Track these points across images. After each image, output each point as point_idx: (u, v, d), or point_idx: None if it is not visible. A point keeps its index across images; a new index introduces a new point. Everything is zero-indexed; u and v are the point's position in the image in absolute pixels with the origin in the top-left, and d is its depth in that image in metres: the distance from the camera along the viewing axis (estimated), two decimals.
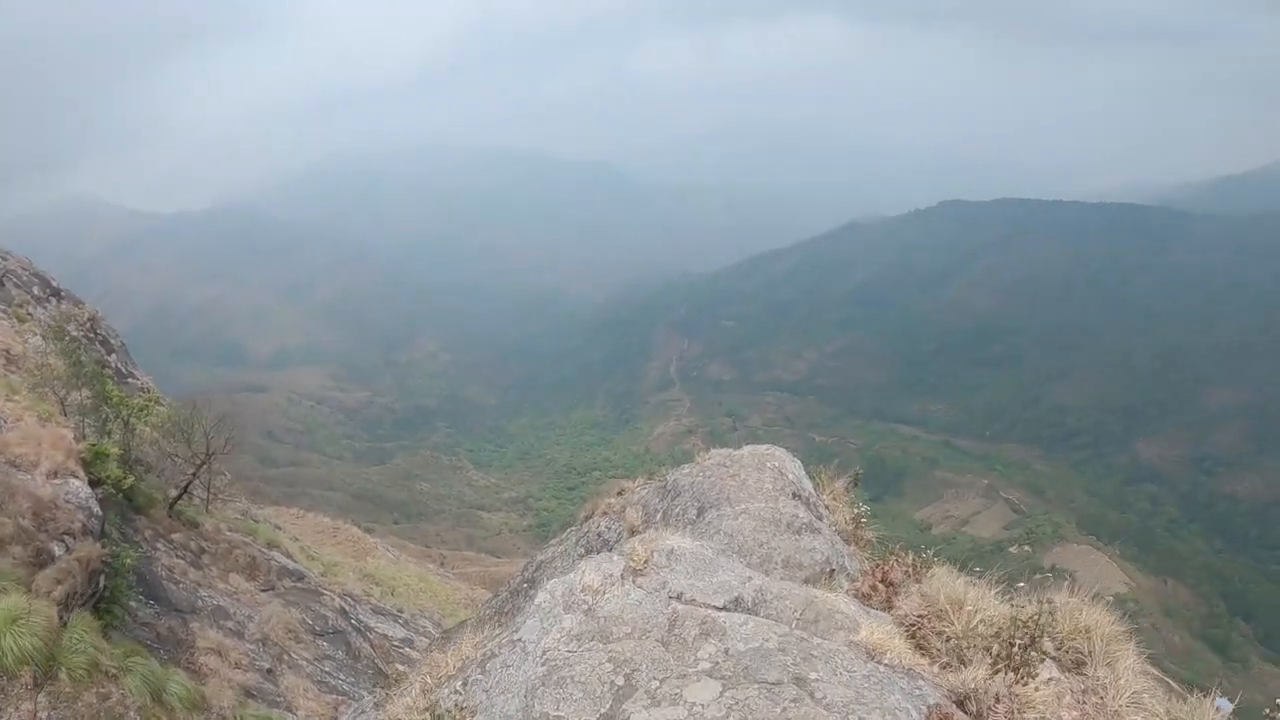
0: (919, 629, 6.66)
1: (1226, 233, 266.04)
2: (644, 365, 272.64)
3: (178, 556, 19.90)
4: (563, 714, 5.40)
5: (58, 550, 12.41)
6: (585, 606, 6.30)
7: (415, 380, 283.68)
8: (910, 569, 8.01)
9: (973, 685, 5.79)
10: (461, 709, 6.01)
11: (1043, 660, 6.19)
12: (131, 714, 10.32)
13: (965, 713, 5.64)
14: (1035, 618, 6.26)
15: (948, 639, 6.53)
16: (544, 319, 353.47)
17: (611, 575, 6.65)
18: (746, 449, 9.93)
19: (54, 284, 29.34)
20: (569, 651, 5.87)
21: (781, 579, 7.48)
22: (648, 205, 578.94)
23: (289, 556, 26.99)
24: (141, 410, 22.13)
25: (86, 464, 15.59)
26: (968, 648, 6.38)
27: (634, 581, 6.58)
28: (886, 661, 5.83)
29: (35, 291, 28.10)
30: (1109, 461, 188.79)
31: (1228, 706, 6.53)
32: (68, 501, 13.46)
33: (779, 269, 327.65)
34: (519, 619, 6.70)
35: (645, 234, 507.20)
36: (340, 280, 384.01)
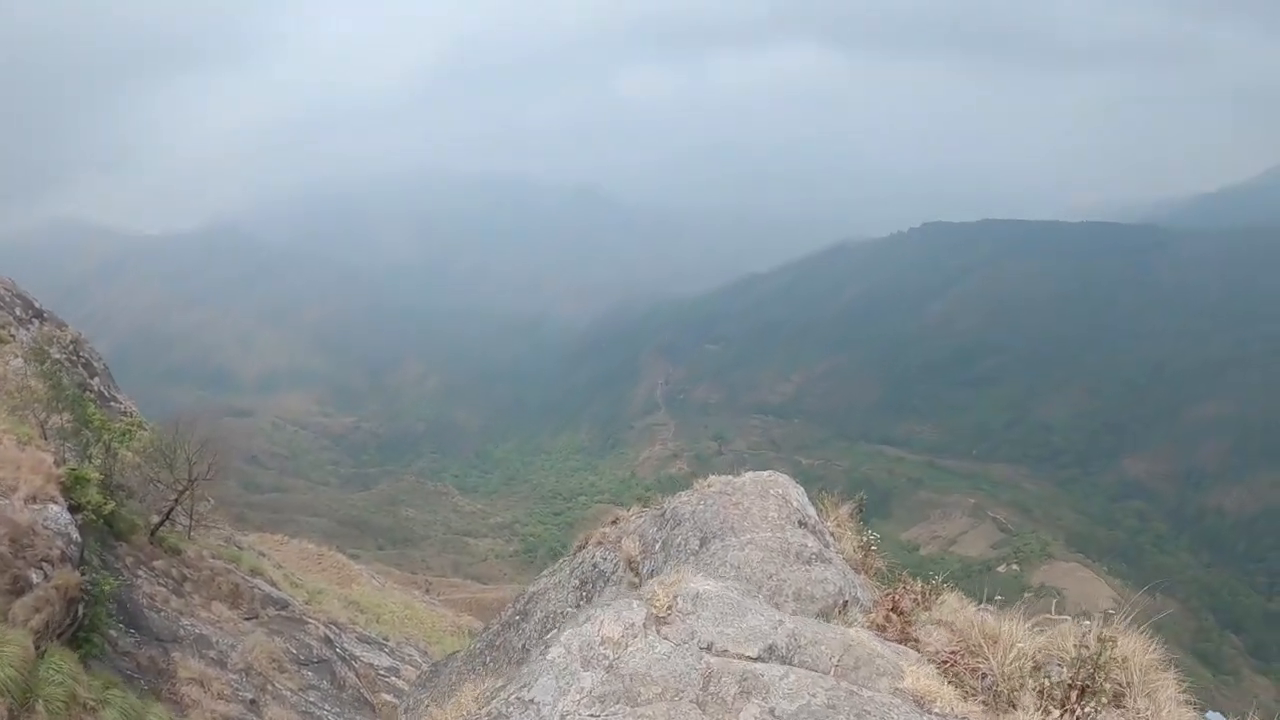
0: (953, 666, 6.33)
1: (1208, 249, 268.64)
2: (630, 389, 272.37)
3: (159, 584, 19.51)
4: None
5: (35, 578, 12.08)
6: (606, 663, 5.72)
7: (401, 405, 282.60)
8: (919, 597, 7.82)
9: None
10: None
11: (1104, 702, 5.82)
12: None
13: None
14: (1095, 656, 5.95)
15: (984, 676, 6.20)
16: (529, 343, 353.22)
17: (633, 625, 6.02)
18: (748, 475, 9.53)
19: (37, 305, 28.93)
20: (591, 716, 5.33)
21: (794, 613, 7.16)
22: (633, 229, 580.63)
23: (272, 584, 26.56)
24: (123, 434, 21.75)
25: (66, 489, 15.26)
26: (1009, 687, 6.04)
27: (658, 631, 5.94)
28: (937, 710, 5.49)
29: (17, 313, 27.70)
30: (1095, 479, 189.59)
31: None
32: (46, 528, 13.13)
33: (764, 291, 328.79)
34: (527, 670, 6.10)
35: (630, 257, 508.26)
36: (327, 304, 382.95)
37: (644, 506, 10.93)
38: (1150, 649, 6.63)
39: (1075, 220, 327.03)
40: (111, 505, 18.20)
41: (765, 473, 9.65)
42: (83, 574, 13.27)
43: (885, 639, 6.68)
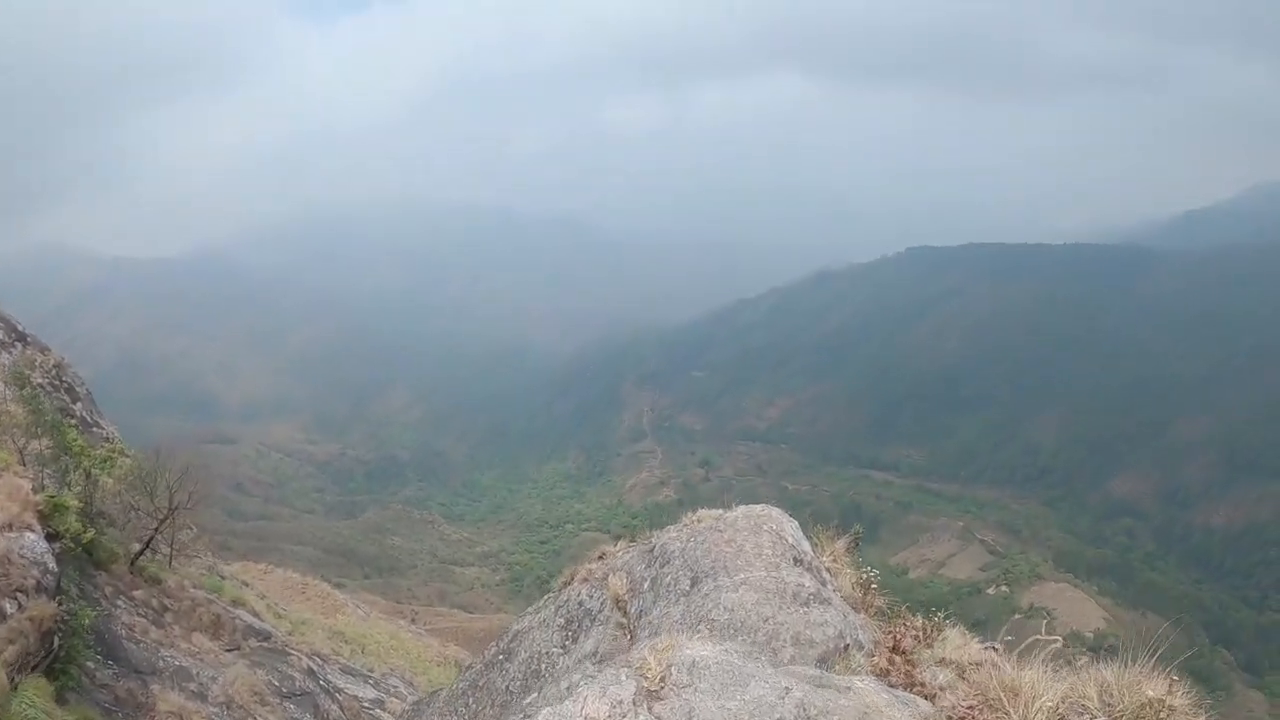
0: None
1: (1189, 267, 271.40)
2: (616, 417, 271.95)
3: (139, 614, 19.07)
4: None
5: (9, 608, 11.73)
6: None
7: (386, 433, 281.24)
8: (921, 634, 7.54)
9: None
10: None
11: None
12: None
13: None
14: (1126, 710, 5.55)
15: None
16: (515, 372, 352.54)
17: (621, 703, 5.18)
18: (739, 510, 9.16)
19: (19, 328, 28.46)
20: None
21: (792, 659, 6.84)
22: (617, 258, 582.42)
23: (255, 614, 26.09)
24: (104, 461, 21.35)
25: (44, 517, 14.91)
26: None
27: (650, 710, 5.14)
28: None
29: (0, 336, 27.27)
30: (1083, 498, 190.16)
31: None
32: (22, 556, 12.78)
33: (749, 318, 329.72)
34: None
35: (615, 286, 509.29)
36: (311, 331, 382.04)
37: (631, 541, 10.60)
38: (1183, 693, 6.06)
39: (1057, 242, 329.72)
40: (91, 534, 17.81)
41: (758, 507, 9.31)
42: (60, 604, 12.91)
43: (891, 685, 6.27)
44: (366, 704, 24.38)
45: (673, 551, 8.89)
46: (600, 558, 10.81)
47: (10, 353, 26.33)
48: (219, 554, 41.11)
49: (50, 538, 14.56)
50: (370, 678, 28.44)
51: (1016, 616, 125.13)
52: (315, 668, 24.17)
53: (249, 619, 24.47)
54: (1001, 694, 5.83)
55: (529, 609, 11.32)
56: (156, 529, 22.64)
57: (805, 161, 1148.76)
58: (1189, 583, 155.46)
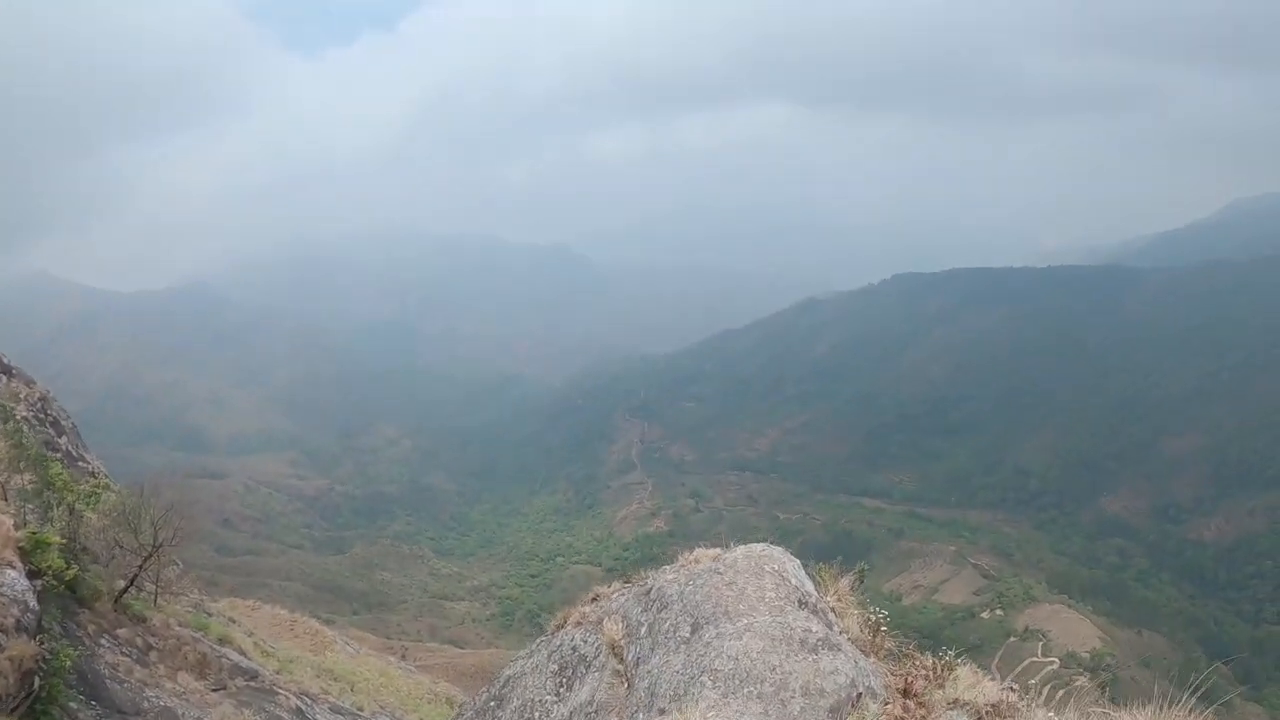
0: None
1: (1173, 285, 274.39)
2: (605, 449, 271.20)
3: (123, 653, 18.59)
4: None
5: None
6: None
7: (375, 467, 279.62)
8: (931, 673, 7.26)
9: None
10: None
11: None
12: None
13: None
14: None
15: None
16: (503, 403, 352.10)
17: None
18: (739, 550, 8.81)
19: (4, 360, 28.11)
20: None
21: (803, 711, 6.48)
22: (604, 288, 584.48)
23: (242, 653, 25.57)
24: (89, 496, 20.94)
25: (25, 553, 14.55)
26: None
27: None
28: None
29: None
30: (1074, 519, 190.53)
31: None
32: (2, 594, 12.43)
33: (737, 348, 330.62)
34: None
35: (602, 316, 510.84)
36: (298, 365, 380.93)
37: (626, 582, 10.29)
38: None
39: (1042, 265, 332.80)
40: (74, 571, 17.39)
41: (758, 546, 8.94)
42: (41, 643, 12.54)
43: None
44: None
45: (670, 595, 8.56)
46: (594, 600, 10.42)
47: None
48: (206, 590, 40.50)
49: (32, 575, 14.22)
50: (360, 716, 27.88)
51: (1012, 639, 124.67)
52: (304, 707, 23.65)
53: (236, 657, 23.98)
54: None
55: (520, 652, 10.91)
56: (141, 566, 22.18)
57: (790, 190, 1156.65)
58: (1184, 599, 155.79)
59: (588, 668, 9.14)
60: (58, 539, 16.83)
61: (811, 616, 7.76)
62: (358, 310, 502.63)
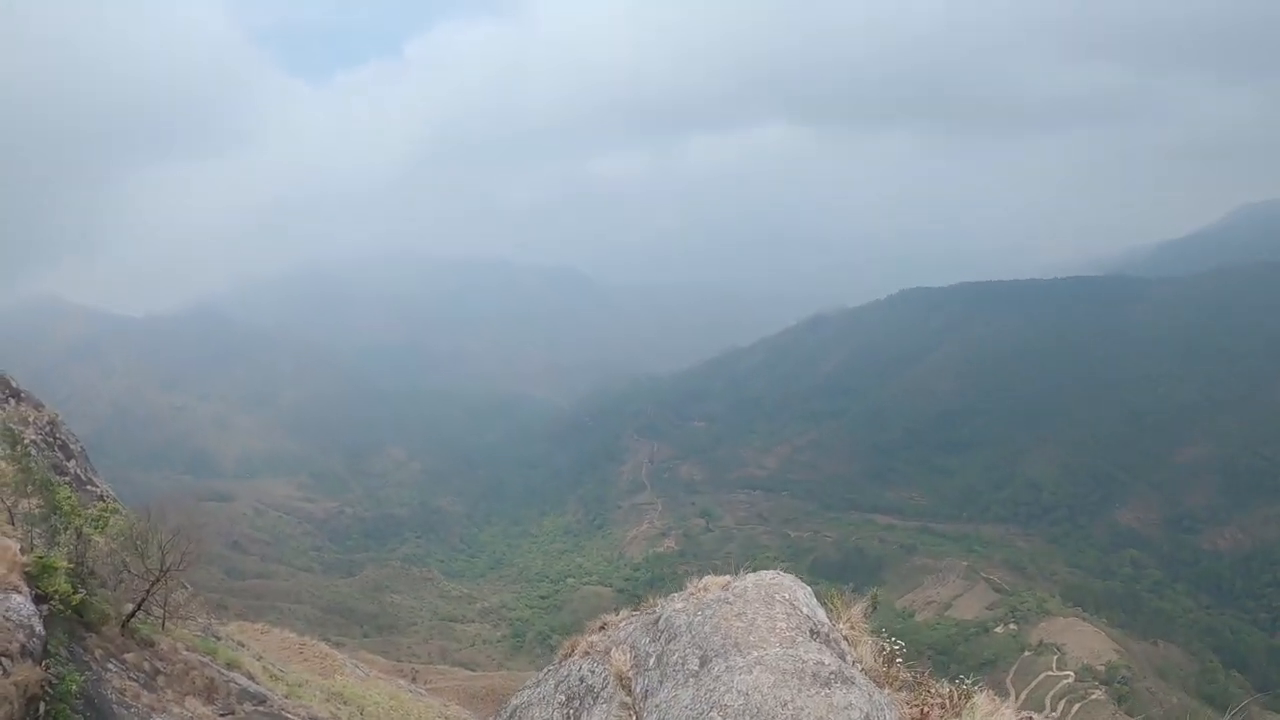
0: None
1: (1179, 294, 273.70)
2: (615, 469, 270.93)
3: (130, 678, 18.42)
4: None
5: None
6: None
7: (385, 489, 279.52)
8: (948, 702, 7.04)
9: None
10: None
11: None
12: None
13: None
14: None
15: None
16: (512, 424, 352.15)
17: None
18: (749, 579, 8.63)
19: (13, 385, 28.11)
20: None
21: None
22: (611, 308, 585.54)
23: (251, 677, 25.35)
24: (97, 520, 20.82)
25: (32, 577, 14.46)
26: None
27: None
28: None
29: None
30: (1087, 531, 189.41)
31: None
32: (7, 619, 12.31)
33: (745, 366, 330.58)
34: None
35: (610, 337, 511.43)
36: (307, 387, 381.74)
37: (634, 610, 10.08)
38: None
39: (1048, 277, 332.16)
40: (81, 595, 17.28)
41: (768, 574, 8.80)
42: (47, 668, 12.42)
43: None
44: None
45: (679, 626, 8.37)
46: (602, 628, 10.22)
47: (3, 409, 25.95)
48: (215, 613, 40.33)
49: (38, 599, 14.13)
50: None
51: (1026, 654, 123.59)
52: None
53: (244, 681, 23.77)
54: None
55: (528, 681, 10.71)
56: (148, 590, 22.01)
57: (795, 208, 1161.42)
58: (1199, 609, 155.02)
59: (595, 699, 8.94)
60: (64, 563, 16.72)
61: (824, 648, 7.56)
62: (365, 332, 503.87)
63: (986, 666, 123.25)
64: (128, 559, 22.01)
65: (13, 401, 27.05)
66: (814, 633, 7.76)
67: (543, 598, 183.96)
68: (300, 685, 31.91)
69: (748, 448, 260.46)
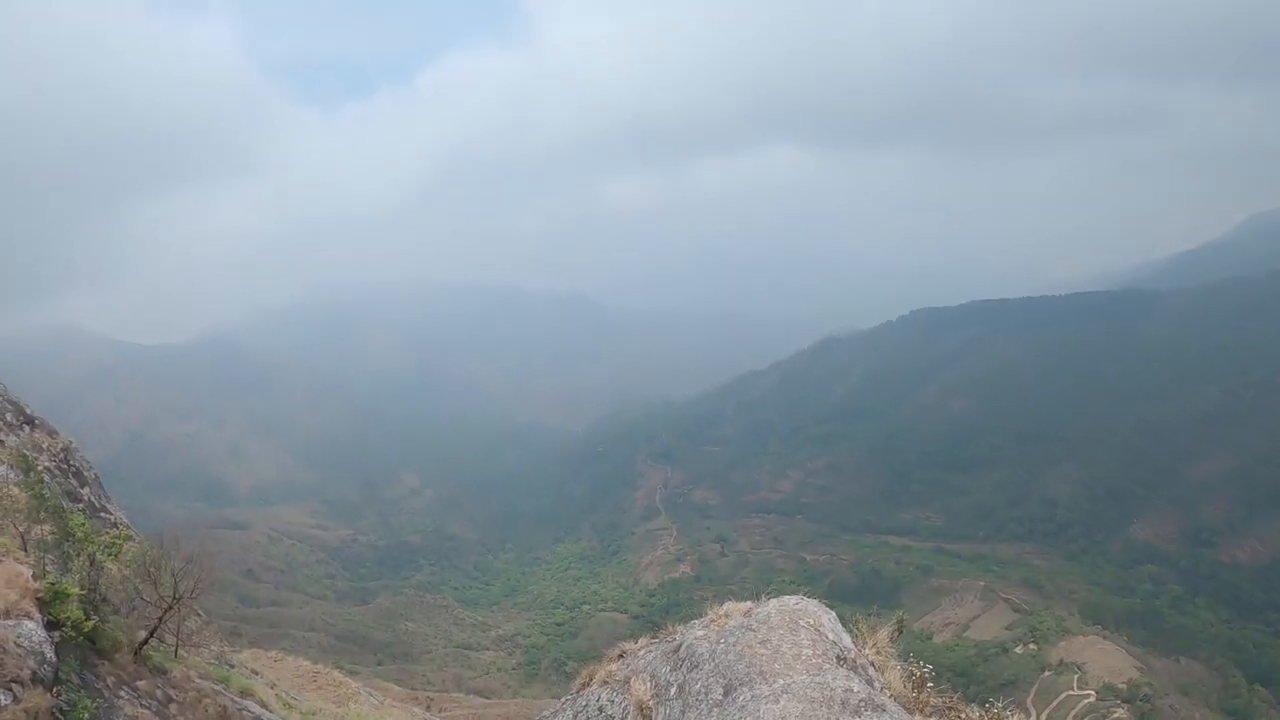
0: None
1: (1191, 305, 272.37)
2: (629, 495, 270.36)
3: (142, 706, 18.22)
4: None
5: (4, 699, 11.11)
6: None
7: (398, 517, 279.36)
8: None
9: None
10: None
11: None
12: None
13: None
14: None
15: None
16: (525, 451, 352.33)
17: None
18: (772, 604, 8.38)
19: (28, 411, 28.14)
20: None
21: None
22: (623, 334, 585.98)
23: (264, 705, 25.15)
24: (110, 547, 20.70)
25: (44, 604, 14.37)
26: None
27: None
28: None
29: (8, 418, 26.91)
30: (1105, 548, 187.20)
31: None
32: (19, 645, 12.19)
33: (758, 390, 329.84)
34: None
35: (621, 363, 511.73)
36: (320, 415, 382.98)
37: (653, 638, 9.81)
38: None
39: (1059, 293, 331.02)
40: (93, 622, 17.14)
41: (791, 599, 8.53)
42: (58, 695, 12.29)
43: None
44: None
45: (701, 654, 8.11)
46: (620, 656, 9.97)
47: (18, 435, 25.95)
48: (229, 641, 40.14)
49: (50, 626, 14.03)
50: None
51: (1046, 673, 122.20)
52: None
53: (258, 710, 23.57)
54: None
55: (544, 711, 10.46)
56: (161, 617, 21.87)
57: (804, 231, 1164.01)
58: (1220, 623, 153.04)
59: None
60: (77, 590, 16.62)
61: (851, 674, 7.31)
62: (377, 360, 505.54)
63: (1007, 687, 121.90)
64: (141, 586, 21.90)
65: (27, 428, 27.07)
66: (840, 659, 7.53)
67: (558, 624, 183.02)
68: (314, 714, 31.66)
69: (762, 471, 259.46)
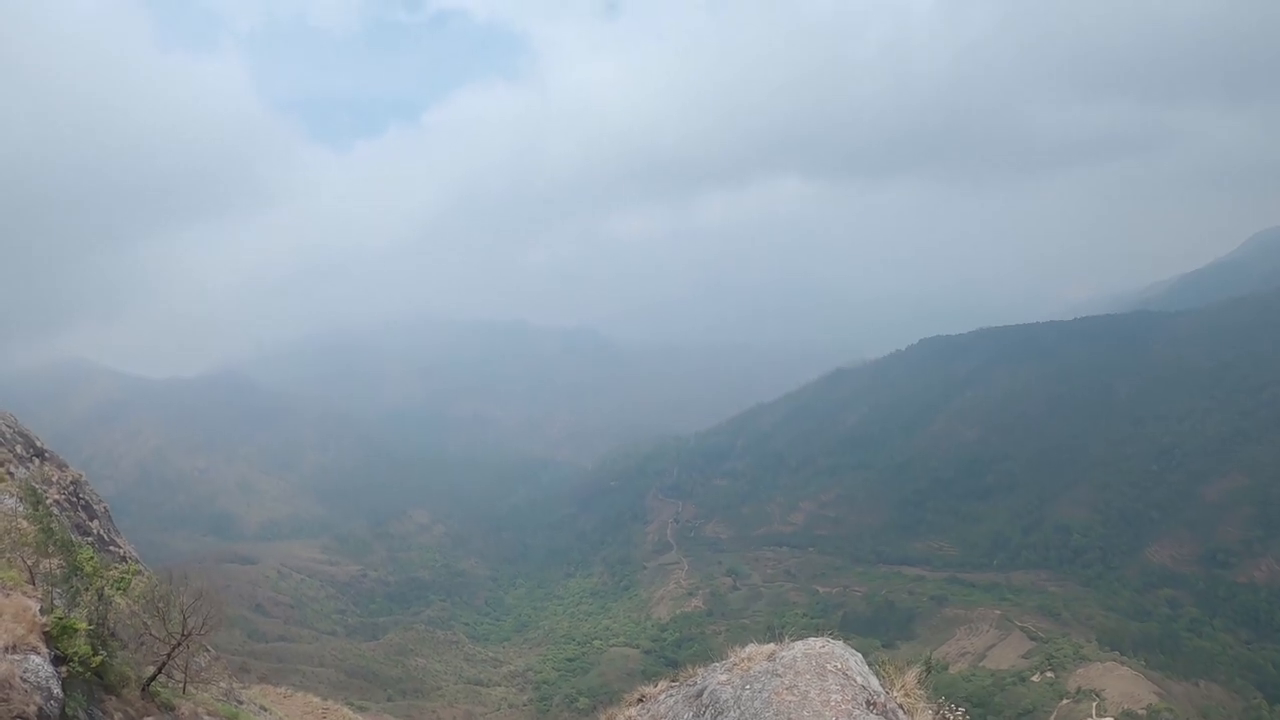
0: None
1: (1201, 326, 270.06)
2: (639, 529, 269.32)
3: None
4: None
5: None
6: None
7: (408, 553, 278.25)
8: None
9: None
10: None
11: None
12: None
13: None
14: None
15: None
16: (535, 487, 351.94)
17: None
18: (798, 647, 8.08)
19: (39, 444, 28.13)
20: None
21: None
22: (632, 368, 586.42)
23: None
24: (119, 581, 20.54)
25: (51, 638, 14.20)
26: None
27: None
28: None
29: (18, 450, 26.87)
30: (1120, 573, 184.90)
31: None
32: (25, 680, 12.01)
33: (768, 423, 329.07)
34: None
35: (630, 397, 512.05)
36: (329, 450, 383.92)
37: (672, 681, 9.47)
38: None
39: (1067, 317, 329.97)
40: (100, 657, 16.95)
41: (816, 641, 8.27)
42: None
43: None
44: None
45: (725, 699, 7.74)
46: (639, 700, 9.63)
47: (28, 468, 25.88)
48: (238, 676, 39.78)
49: (57, 661, 13.85)
50: None
51: (1065, 701, 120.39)
52: None
53: None
54: None
55: None
56: (170, 653, 21.65)
57: (812, 262, 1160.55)
58: (1239, 645, 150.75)
59: None
60: (85, 625, 16.46)
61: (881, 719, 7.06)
62: (387, 396, 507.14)
63: (1025, 717, 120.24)
64: (149, 621, 21.71)
65: (37, 461, 27.02)
66: (870, 703, 7.28)
67: (569, 660, 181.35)
68: None
69: (773, 504, 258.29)
